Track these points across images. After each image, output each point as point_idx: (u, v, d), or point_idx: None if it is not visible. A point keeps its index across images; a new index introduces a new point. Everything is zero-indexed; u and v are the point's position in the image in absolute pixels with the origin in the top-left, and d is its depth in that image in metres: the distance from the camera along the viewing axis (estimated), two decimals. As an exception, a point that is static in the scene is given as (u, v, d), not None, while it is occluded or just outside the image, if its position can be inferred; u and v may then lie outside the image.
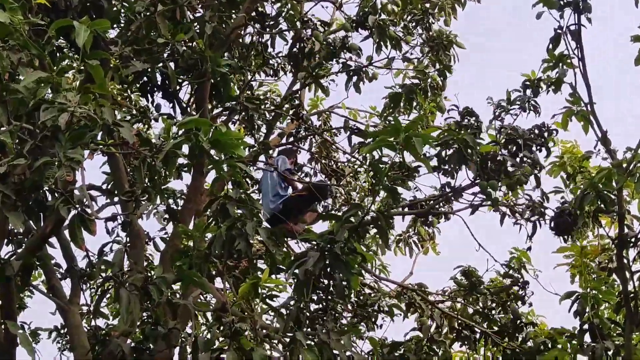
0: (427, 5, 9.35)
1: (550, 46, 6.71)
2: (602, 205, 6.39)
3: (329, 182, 9.50)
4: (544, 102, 7.17)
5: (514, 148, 6.74)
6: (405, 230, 10.12)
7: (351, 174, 10.14)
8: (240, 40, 8.89)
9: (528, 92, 7.15)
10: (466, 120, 6.86)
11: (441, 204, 7.52)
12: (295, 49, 8.82)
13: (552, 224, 6.90)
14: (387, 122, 9.69)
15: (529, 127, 6.94)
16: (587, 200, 6.33)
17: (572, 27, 6.53)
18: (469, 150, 6.41)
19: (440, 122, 9.59)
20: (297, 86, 9.52)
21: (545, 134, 6.92)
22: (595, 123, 6.58)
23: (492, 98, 7.07)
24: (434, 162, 6.55)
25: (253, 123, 7.81)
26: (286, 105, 9.21)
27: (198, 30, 7.39)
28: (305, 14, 8.89)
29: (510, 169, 6.60)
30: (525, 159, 6.70)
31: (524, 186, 6.76)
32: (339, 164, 10.22)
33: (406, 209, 7.27)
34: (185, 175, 8.42)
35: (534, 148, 6.86)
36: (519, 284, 7.73)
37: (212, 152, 4.70)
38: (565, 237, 7.03)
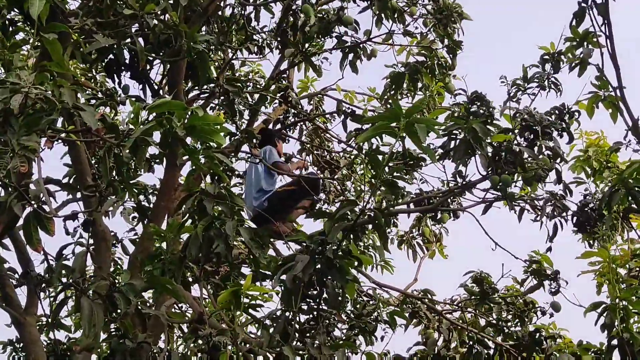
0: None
1: (574, 22, 6.70)
2: (634, 205, 6.41)
3: (320, 175, 9.51)
4: (566, 84, 7.18)
5: (531, 136, 6.73)
6: (408, 230, 10.16)
7: (347, 166, 10.15)
8: (220, 12, 8.90)
9: (547, 67, 7.14)
10: (475, 107, 6.84)
11: (449, 200, 7.52)
12: (283, 23, 8.81)
13: (575, 220, 6.92)
14: (388, 106, 9.72)
15: (547, 109, 6.93)
16: (616, 198, 6.34)
17: (599, 1, 6.49)
18: (479, 141, 6.40)
19: (448, 104, 9.62)
20: (284, 65, 9.54)
21: (566, 117, 6.91)
22: (625, 110, 6.55)
23: (505, 77, 7.08)
24: (439, 152, 6.56)
25: (234, 108, 7.80)
26: (272, 87, 9.22)
27: (172, 1, 7.39)
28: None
29: (527, 160, 6.59)
30: (544, 149, 6.68)
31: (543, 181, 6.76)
32: (333, 154, 10.24)
33: (410, 205, 7.30)
34: (157, 168, 8.46)
35: (554, 134, 6.85)
36: (550, 276, 7.65)
37: (188, 140, 4.71)
38: (590, 234, 7.04)
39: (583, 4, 6.59)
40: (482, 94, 6.80)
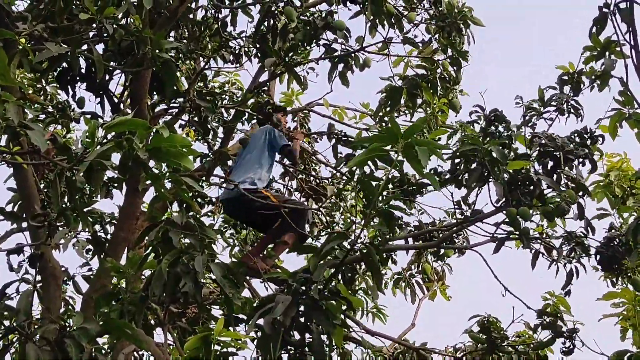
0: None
1: (595, 30, 6.75)
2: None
3: (306, 205, 9.52)
4: (586, 102, 7.26)
5: (551, 163, 6.77)
6: (407, 267, 10.18)
7: (335, 194, 10.17)
8: (191, 16, 8.94)
9: (566, 89, 7.22)
10: (493, 127, 6.88)
11: (454, 234, 7.54)
12: (262, 28, 8.82)
13: (598, 258, 6.97)
14: (383, 125, 9.76)
15: (567, 133, 6.99)
16: (642, 230, 6.42)
17: (622, 5, 6.56)
18: (495, 167, 6.42)
19: (452, 123, 9.67)
20: (265, 76, 9.57)
21: (589, 142, 6.97)
22: (652, 130, 6.65)
23: (521, 98, 7.14)
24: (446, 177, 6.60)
25: (207, 125, 7.82)
26: (251, 101, 9.23)
27: (135, 3, 7.43)
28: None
29: (547, 192, 6.62)
30: (565, 179, 6.71)
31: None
32: (320, 180, 10.25)
33: (409, 240, 7.32)
34: (116, 193, 8.47)
35: (575, 162, 6.89)
36: (564, 334, 7.69)
37: (151, 163, 4.72)
38: (614, 273, 7.09)
39: (605, 9, 6.63)
40: (501, 114, 6.86)
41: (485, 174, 6.44)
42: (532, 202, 6.57)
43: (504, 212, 6.60)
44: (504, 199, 6.55)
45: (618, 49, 6.83)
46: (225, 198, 8.03)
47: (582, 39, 6.95)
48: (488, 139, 6.76)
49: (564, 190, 6.63)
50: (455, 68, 9.33)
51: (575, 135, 7.06)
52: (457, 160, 6.62)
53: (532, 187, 6.56)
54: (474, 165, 6.51)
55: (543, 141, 6.81)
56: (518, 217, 6.46)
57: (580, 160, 6.95)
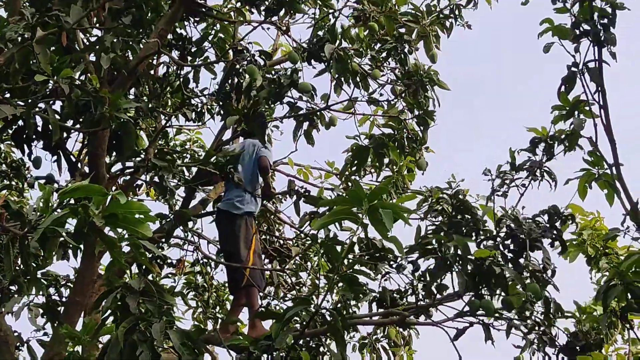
0: (402, 30, 9.47)
1: (563, 89, 6.80)
2: (633, 302, 6.48)
3: (269, 266, 9.51)
4: (556, 162, 7.30)
5: (518, 249, 6.77)
6: (372, 331, 10.13)
7: (299, 254, 10.15)
8: (153, 72, 8.96)
9: (538, 151, 7.26)
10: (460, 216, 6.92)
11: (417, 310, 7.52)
12: (226, 85, 8.83)
13: (564, 345, 6.94)
14: (350, 185, 9.78)
15: (536, 212, 6.99)
16: (613, 294, 6.42)
17: (591, 64, 6.59)
18: (458, 262, 6.46)
19: (419, 183, 9.72)
20: (227, 134, 9.58)
21: (558, 224, 6.99)
22: (622, 191, 6.64)
23: (489, 170, 7.18)
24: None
25: (164, 186, 7.78)
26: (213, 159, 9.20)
27: (94, 59, 7.45)
28: (241, 40, 8.96)
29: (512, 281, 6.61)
30: (529, 272, 6.69)
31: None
32: (284, 241, 10.22)
33: (373, 306, 7.30)
34: (72, 254, 8.37)
35: (545, 242, 6.90)
36: None
37: (107, 230, 4.70)
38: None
39: (573, 68, 6.67)
40: (467, 202, 6.87)
41: (447, 266, 6.47)
42: (497, 292, 6.57)
43: (468, 305, 6.60)
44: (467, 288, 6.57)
45: (587, 108, 6.87)
46: (218, 208, 8.52)
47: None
48: (452, 229, 6.79)
49: (528, 283, 6.59)
50: (422, 128, 9.37)
51: (545, 214, 7.07)
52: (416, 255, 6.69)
53: (496, 279, 6.54)
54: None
55: (510, 223, 6.82)
56: (480, 309, 6.47)
57: (550, 240, 6.97)
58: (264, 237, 10.01)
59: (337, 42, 8.68)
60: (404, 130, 9.37)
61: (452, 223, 6.85)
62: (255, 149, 8.64)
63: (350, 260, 6.05)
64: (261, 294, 8.48)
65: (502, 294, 6.50)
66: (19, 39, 6.63)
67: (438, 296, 6.83)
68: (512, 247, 6.80)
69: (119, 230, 4.70)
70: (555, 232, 6.91)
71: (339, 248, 5.62)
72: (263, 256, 9.95)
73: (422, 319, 7.22)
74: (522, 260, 6.72)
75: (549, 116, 7.30)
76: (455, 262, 6.40)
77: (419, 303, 7.12)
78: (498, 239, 6.79)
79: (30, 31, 6.58)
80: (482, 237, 6.89)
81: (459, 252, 6.39)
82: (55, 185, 7.47)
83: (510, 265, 6.70)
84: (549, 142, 7.29)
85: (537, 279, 6.62)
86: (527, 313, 6.63)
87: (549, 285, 6.73)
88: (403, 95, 9.27)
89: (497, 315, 6.51)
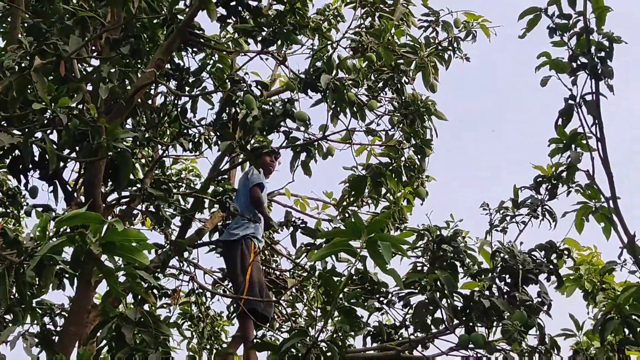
0: (400, 61, 9.53)
1: (560, 121, 6.80)
2: (630, 335, 6.48)
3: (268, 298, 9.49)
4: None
5: (511, 280, 6.77)
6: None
7: (296, 286, 10.13)
8: (150, 102, 8.98)
9: (542, 190, 7.29)
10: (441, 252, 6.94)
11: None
12: (223, 116, 8.84)
13: None
14: (347, 215, 9.79)
15: (531, 246, 7.01)
16: (610, 327, 6.42)
17: (589, 97, 6.57)
18: (444, 297, 6.49)
19: (418, 213, 9.73)
20: (225, 165, 9.59)
21: (554, 258, 7.00)
22: (619, 224, 6.62)
23: (487, 204, 7.20)
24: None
25: (160, 215, 7.78)
26: (211, 189, 9.21)
27: (91, 88, 7.47)
28: (238, 70, 9.00)
29: (505, 314, 6.62)
30: (522, 300, 6.69)
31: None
32: (280, 272, 10.21)
33: (367, 340, 7.31)
34: (68, 283, 8.36)
35: (540, 277, 6.91)
36: None
37: (104, 258, 4.70)
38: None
39: (570, 101, 6.68)
40: (446, 237, 6.88)
41: (434, 304, 6.49)
42: (488, 324, 6.57)
43: (458, 338, 6.61)
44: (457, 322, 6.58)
45: (584, 141, 6.87)
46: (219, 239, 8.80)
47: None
48: (436, 264, 6.82)
49: (515, 312, 6.59)
50: (419, 157, 9.39)
51: (540, 249, 7.08)
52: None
53: (487, 311, 6.54)
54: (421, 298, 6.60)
55: (505, 256, 6.83)
56: (470, 343, 6.48)
57: (547, 274, 6.98)
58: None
59: (334, 72, 8.71)
60: (402, 159, 9.37)
61: (435, 258, 6.88)
62: (249, 176, 8.79)
63: (347, 293, 6.06)
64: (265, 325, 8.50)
65: (496, 325, 6.52)
66: (17, 67, 6.67)
67: (433, 329, 6.84)
68: (507, 279, 6.81)
69: (116, 258, 4.70)
70: (551, 266, 6.93)
71: (336, 280, 5.63)
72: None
73: (416, 353, 7.22)
74: (517, 295, 6.73)
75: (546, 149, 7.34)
76: (443, 298, 6.43)
77: (411, 337, 7.13)
78: (494, 273, 6.80)
79: (28, 59, 6.62)
80: (473, 272, 6.90)
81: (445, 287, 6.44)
82: (52, 214, 7.45)
83: (505, 297, 6.71)
84: (552, 182, 7.30)
85: (527, 308, 6.63)
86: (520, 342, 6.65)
87: (541, 312, 6.76)
88: (400, 125, 9.26)
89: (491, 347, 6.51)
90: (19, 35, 7.37)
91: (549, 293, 6.97)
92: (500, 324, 6.50)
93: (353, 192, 9.50)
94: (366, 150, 9.85)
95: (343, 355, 5.64)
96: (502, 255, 6.84)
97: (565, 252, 7.09)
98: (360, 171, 9.45)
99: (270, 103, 8.66)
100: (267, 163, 9.12)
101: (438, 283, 6.51)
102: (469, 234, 7.38)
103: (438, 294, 6.47)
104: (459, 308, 6.51)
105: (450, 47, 9.93)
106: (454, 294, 6.51)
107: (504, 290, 6.78)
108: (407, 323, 7.08)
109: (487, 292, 6.69)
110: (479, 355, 6.54)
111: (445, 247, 7.04)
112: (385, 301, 7.57)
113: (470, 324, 6.53)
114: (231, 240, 8.39)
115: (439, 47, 9.86)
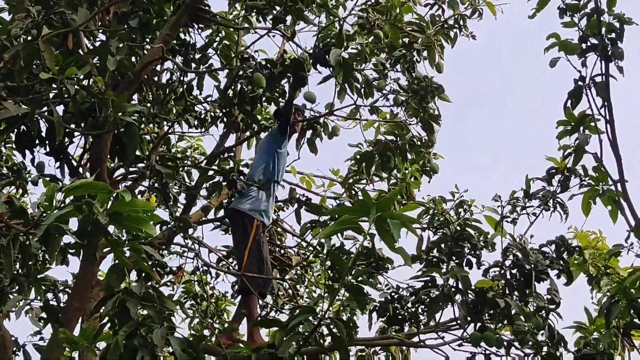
0: (407, 39, 9.45)
1: (569, 104, 6.76)
2: (636, 319, 6.45)
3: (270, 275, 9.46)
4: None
5: (524, 279, 6.75)
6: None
7: (300, 264, 10.10)
8: (156, 78, 8.93)
9: (554, 181, 7.26)
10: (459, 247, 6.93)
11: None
12: (229, 92, 8.80)
13: None
14: (353, 193, 9.75)
15: (539, 235, 7.01)
16: (616, 311, 6.39)
17: (598, 79, 6.55)
18: (458, 294, 6.46)
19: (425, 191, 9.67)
20: (230, 141, 9.56)
21: (565, 254, 6.96)
22: (627, 207, 6.60)
23: (499, 196, 7.17)
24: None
25: (167, 192, 7.74)
26: (214, 167, 9.16)
27: (98, 64, 7.41)
28: (247, 47, 8.94)
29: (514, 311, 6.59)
30: (538, 307, 6.67)
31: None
32: (285, 250, 10.17)
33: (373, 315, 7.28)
34: (72, 260, 8.33)
35: (552, 272, 6.89)
36: None
37: (111, 229, 4.67)
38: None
39: (580, 82, 6.63)
40: (466, 232, 6.86)
41: (448, 297, 6.47)
42: (499, 323, 6.55)
43: (469, 337, 6.58)
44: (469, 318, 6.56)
45: (593, 123, 6.82)
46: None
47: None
48: (453, 258, 6.80)
49: (531, 317, 6.57)
50: (427, 132, 9.32)
51: (552, 244, 7.05)
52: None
53: (500, 311, 6.52)
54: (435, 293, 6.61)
55: (517, 253, 6.80)
56: (482, 341, 6.45)
57: (557, 272, 6.96)
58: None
59: (344, 47, 8.68)
60: (408, 135, 9.32)
61: (452, 252, 6.85)
62: (263, 139, 8.68)
63: (355, 270, 6.02)
64: (261, 301, 8.45)
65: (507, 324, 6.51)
66: (25, 37, 6.62)
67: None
68: (518, 276, 6.80)
69: (123, 229, 4.67)
70: (562, 263, 6.91)
71: (344, 257, 5.60)
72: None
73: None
74: (527, 291, 6.72)
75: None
76: (457, 294, 6.41)
77: (420, 328, 7.13)
78: (504, 268, 6.79)
79: (36, 29, 6.56)
80: (488, 266, 6.88)
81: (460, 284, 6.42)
82: (59, 184, 7.42)
83: (516, 293, 6.70)
84: (565, 174, 7.27)
85: (541, 312, 6.63)
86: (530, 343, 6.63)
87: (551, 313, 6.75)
88: (408, 101, 9.16)
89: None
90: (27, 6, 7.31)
91: (559, 290, 6.96)
92: (514, 325, 6.49)
93: (359, 169, 9.44)
94: (373, 127, 9.76)
95: (350, 333, 5.61)
96: (513, 251, 6.82)
97: (577, 249, 7.07)
98: (366, 148, 9.40)
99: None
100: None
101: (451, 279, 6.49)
102: (474, 203, 7.36)
103: (453, 289, 6.44)
104: (471, 305, 6.48)
105: (456, 25, 9.81)
106: (468, 293, 6.49)
107: (515, 286, 6.76)
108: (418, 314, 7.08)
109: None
110: (487, 352, 6.51)
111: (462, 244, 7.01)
112: (395, 295, 7.50)
113: (481, 323, 6.51)
114: (240, 212, 8.23)
115: (445, 26, 9.75)
